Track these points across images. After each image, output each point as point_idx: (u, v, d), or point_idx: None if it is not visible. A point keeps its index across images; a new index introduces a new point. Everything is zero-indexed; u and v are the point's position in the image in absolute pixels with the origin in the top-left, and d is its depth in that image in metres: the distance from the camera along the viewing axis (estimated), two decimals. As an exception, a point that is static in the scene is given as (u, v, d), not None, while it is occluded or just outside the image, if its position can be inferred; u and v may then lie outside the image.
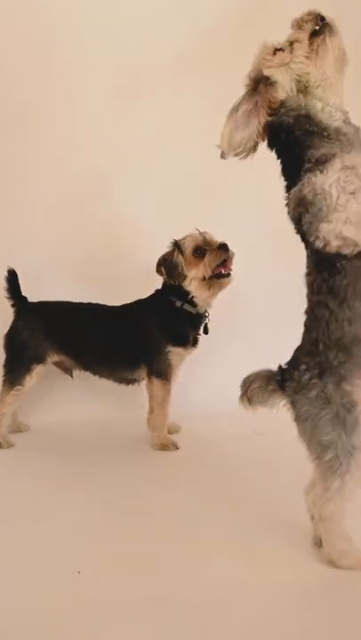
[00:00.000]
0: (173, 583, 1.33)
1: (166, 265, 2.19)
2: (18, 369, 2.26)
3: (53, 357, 2.30)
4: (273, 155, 1.43)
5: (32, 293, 2.37)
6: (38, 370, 2.27)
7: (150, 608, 1.23)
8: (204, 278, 2.16)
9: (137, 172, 2.76)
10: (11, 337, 2.30)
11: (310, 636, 1.16)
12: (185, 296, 2.20)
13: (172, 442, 2.21)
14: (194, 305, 2.22)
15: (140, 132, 2.72)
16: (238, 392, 1.43)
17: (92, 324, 2.31)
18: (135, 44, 2.73)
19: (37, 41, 2.66)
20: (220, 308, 2.33)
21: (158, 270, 2.21)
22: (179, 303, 2.21)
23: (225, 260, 2.15)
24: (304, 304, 1.41)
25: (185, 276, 2.17)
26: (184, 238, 2.20)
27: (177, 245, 2.19)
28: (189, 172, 2.72)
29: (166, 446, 2.20)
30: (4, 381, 2.28)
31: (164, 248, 2.25)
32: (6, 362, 2.30)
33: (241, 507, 1.72)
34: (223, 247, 2.15)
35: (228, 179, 2.44)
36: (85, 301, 2.35)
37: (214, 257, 2.15)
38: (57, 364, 2.36)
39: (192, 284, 2.18)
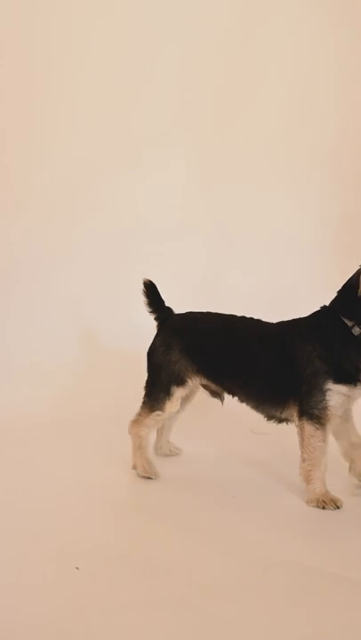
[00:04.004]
0: (173, 583, 1.33)
1: None
2: (157, 392, 1.99)
3: (194, 380, 2.00)
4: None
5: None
6: (179, 393, 1.98)
7: (150, 607, 1.24)
8: None
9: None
10: (149, 355, 2.04)
11: (309, 634, 1.16)
12: None
13: (332, 498, 1.77)
14: None
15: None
16: None
17: (235, 344, 1.95)
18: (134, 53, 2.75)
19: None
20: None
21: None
22: (350, 324, 1.75)
23: None
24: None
25: None
26: None
27: None
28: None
29: (324, 503, 1.75)
30: (144, 403, 2.02)
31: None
32: (147, 383, 2.04)
33: (239, 505, 1.73)
34: None
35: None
36: (239, 314, 2.03)
37: None
38: (204, 386, 2.08)
39: None
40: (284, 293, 2.22)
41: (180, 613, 1.21)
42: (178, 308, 2.08)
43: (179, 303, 2.12)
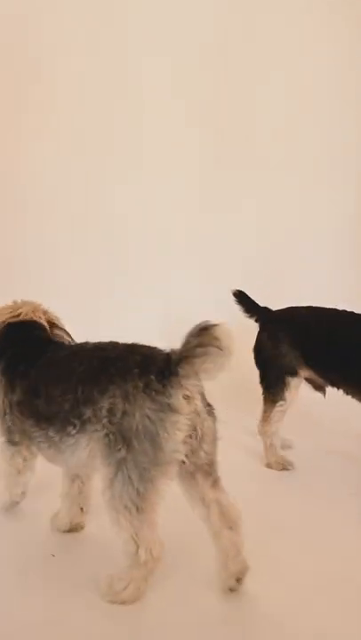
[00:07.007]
0: (173, 582, 1.33)
1: None
2: (274, 384, 2.02)
3: (303, 371, 2.03)
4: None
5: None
6: (294, 383, 2.02)
7: (150, 607, 1.24)
8: None
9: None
10: (257, 350, 2.09)
11: (310, 634, 1.16)
12: None
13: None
14: None
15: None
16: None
17: (348, 335, 1.97)
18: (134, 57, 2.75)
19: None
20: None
21: None
22: None
23: None
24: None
25: None
26: None
27: None
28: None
29: None
30: (265, 398, 2.06)
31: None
32: (261, 378, 2.08)
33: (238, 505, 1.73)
34: None
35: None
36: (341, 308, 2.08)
37: None
38: (307, 380, 2.10)
39: None
40: (287, 295, 2.21)
41: (181, 613, 1.22)
42: (179, 309, 2.09)
43: (180, 304, 2.12)
